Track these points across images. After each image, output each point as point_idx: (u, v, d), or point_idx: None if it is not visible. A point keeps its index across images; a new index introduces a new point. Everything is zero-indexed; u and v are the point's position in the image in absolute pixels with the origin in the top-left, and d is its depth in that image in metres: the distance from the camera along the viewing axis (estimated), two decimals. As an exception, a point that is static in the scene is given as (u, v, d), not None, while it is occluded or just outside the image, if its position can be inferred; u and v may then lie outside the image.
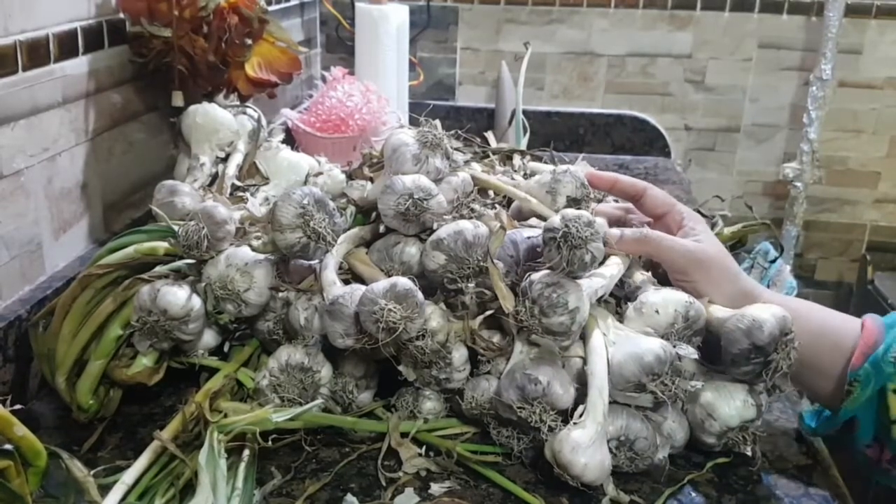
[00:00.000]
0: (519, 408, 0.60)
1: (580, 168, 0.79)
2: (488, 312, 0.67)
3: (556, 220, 0.60)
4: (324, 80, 1.39)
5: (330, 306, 0.64)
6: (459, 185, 0.75)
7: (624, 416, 0.61)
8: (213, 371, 0.70)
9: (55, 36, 0.80)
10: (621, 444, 0.61)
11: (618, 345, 0.62)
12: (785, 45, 1.65)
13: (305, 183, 0.92)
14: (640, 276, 0.72)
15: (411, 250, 0.70)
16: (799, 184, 1.67)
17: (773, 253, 1.04)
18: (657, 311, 0.65)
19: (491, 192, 0.83)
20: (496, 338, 0.68)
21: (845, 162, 1.71)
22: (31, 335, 0.71)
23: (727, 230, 0.90)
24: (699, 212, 0.90)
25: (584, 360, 0.63)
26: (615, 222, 0.74)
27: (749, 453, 0.64)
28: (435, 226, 0.70)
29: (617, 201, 0.84)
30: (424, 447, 0.66)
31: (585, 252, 0.60)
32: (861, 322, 0.66)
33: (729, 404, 0.63)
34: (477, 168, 0.85)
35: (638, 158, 1.60)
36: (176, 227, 0.69)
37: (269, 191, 0.91)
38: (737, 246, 0.90)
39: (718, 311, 0.65)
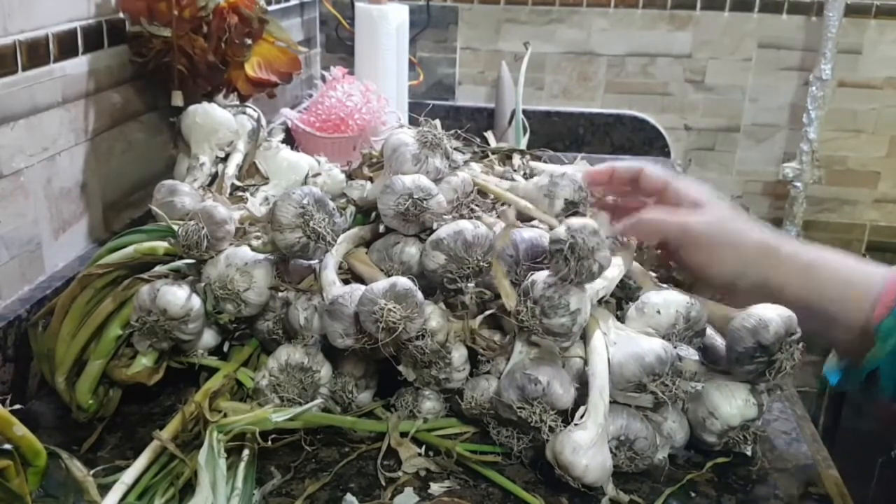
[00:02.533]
0: (519, 408, 0.60)
1: (580, 166, 0.79)
2: (489, 311, 0.67)
3: (561, 231, 0.60)
4: (323, 79, 1.39)
5: (329, 306, 0.64)
6: (459, 185, 0.75)
7: (624, 415, 0.61)
8: (212, 371, 0.70)
9: (55, 36, 0.79)
10: (621, 443, 0.61)
11: (619, 345, 0.62)
12: (785, 45, 1.65)
13: (305, 183, 0.92)
14: (642, 275, 0.72)
15: (411, 250, 0.70)
16: (798, 184, 1.67)
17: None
18: (658, 312, 0.65)
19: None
20: (496, 337, 0.68)
21: (845, 162, 1.71)
22: (30, 335, 0.71)
23: (727, 230, 0.90)
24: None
25: (585, 361, 0.63)
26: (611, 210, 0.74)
27: (749, 453, 0.64)
28: (435, 226, 0.70)
29: (616, 201, 0.83)
30: (424, 447, 0.66)
31: (593, 262, 0.59)
32: (890, 272, 0.64)
33: (731, 403, 0.63)
34: (476, 168, 0.85)
35: (637, 158, 1.60)
36: (176, 227, 0.69)
37: (269, 191, 0.91)
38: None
39: (723, 310, 0.66)
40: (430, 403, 0.68)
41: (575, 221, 0.60)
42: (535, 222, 0.77)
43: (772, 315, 0.61)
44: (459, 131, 0.82)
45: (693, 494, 0.62)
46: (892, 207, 1.73)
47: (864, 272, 0.66)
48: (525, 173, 0.93)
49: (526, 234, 0.69)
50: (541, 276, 0.61)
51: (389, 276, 0.67)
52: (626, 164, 0.76)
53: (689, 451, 0.66)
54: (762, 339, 0.60)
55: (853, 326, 0.64)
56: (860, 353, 0.64)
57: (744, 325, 0.61)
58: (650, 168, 0.74)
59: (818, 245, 0.69)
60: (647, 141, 1.65)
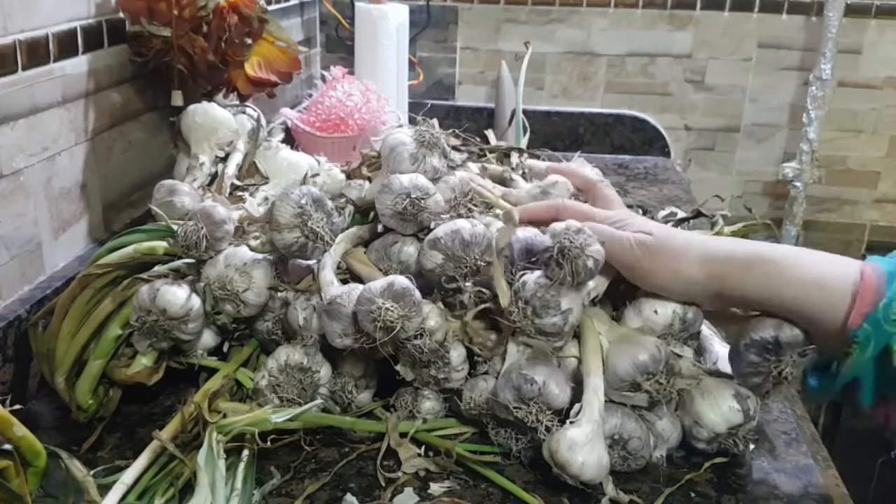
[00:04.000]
0: (515, 408, 0.60)
1: (579, 163, 0.79)
2: (482, 306, 0.67)
3: (546, 240, 0.60)
4: (323, 79, 1.39)
5: (328, 306, 0.64)
6: (457, 184, 0.75)
7: (619, 415, 0.61)
8: (212, 371, 0.71)
9: (55, 35, 0.80)
10: (615, 443, 0.61)
11: (613, 344, 0.62)
12: (785, 45, 1.65)
13: (304, 183, 0.92)
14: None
15: (409, 249, 0.70)
16: (798, 184, 1.67)
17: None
18: (655, 312, 0.65)
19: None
20: (493, 336, 0.68)
21: (845, 162, 1.71)
22: (30, 335, 0.71)
23: (727, 229, 0.90)
24: (699, 212, 0.90)
25: (580, 360, 0.63)
26: None
27: (742, 454, 0.64)
28: (432, 225, 0.70)
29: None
30: (423, 447, 0.66)
31: (586, 258, 0.59)
32: (860, 269, 0.59)
33: (714, 411, 0.63)
34: (473, 169, 0.85)
35: (637, 158, 1.60)
36: (175, 227, 0.70)
37: (269, 190, 0.91)
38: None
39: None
40: (429, 403, 0.68)
41: (557, 226, 0.61)
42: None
43: None
44: (457, 131, 0.82)
45: (693, 494, 0.62)
46: (892, 207, 1.73)
47: (836, 270, 0.61)
48: (524, 172, 0.93)
49: (521, 233, 0.70)
50: (532, 277, 0.61)
51: (388, 275, 0.67)
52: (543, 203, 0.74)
53: (688, 451, 0.66)
54: (782, 335, 0.60)
55: (828, 329, 0.59)
56: (840, 353, 0.60)
57: (770, 318, 0.61)
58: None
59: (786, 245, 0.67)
60: (647, 141, 1.65)
